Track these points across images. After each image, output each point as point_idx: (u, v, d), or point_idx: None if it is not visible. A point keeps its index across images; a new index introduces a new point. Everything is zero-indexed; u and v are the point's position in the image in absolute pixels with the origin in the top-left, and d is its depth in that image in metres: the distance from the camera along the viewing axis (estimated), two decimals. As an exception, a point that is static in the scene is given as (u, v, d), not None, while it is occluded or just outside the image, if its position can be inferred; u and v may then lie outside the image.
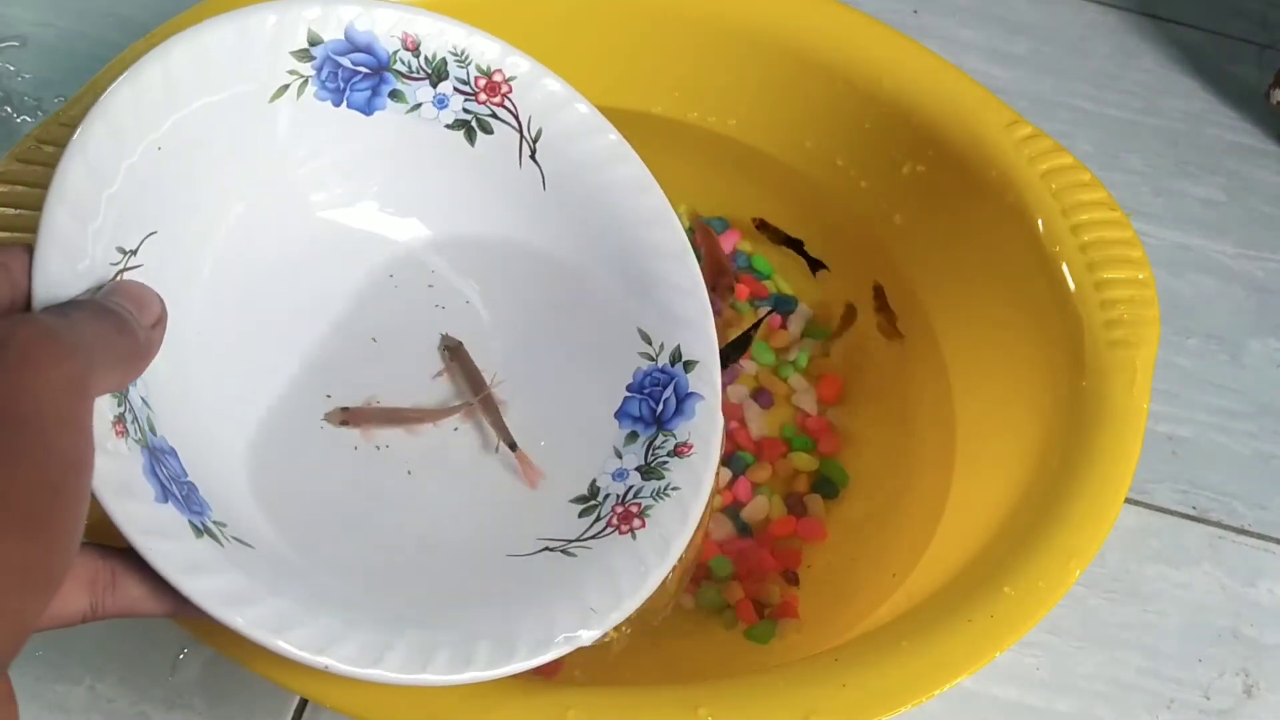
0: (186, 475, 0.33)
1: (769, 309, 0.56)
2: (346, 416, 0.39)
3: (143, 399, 0.32)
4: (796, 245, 0.57)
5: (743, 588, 0.47)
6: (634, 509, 0.38)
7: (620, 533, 0.38)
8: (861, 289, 0.55)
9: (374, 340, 0.42)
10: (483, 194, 0.43)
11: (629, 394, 0.41)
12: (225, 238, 0.38)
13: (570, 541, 0.38)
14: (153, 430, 0.32)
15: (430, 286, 0.43)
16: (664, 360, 0.41)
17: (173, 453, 0.33)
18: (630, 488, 0.39)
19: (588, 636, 0.34)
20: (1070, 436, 0.42)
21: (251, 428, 0.38)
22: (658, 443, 0.40)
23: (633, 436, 0.41)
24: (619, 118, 0.59)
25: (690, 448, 0.40)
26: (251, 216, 0.39)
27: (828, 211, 0.56)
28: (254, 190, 0.39)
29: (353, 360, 0.41)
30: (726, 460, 0.50)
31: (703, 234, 0.57)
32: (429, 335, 0.43)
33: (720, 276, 0.55)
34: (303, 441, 0.39)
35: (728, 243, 0.57)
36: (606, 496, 0.39)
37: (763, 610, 0.46)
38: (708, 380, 0.41)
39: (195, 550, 0.30)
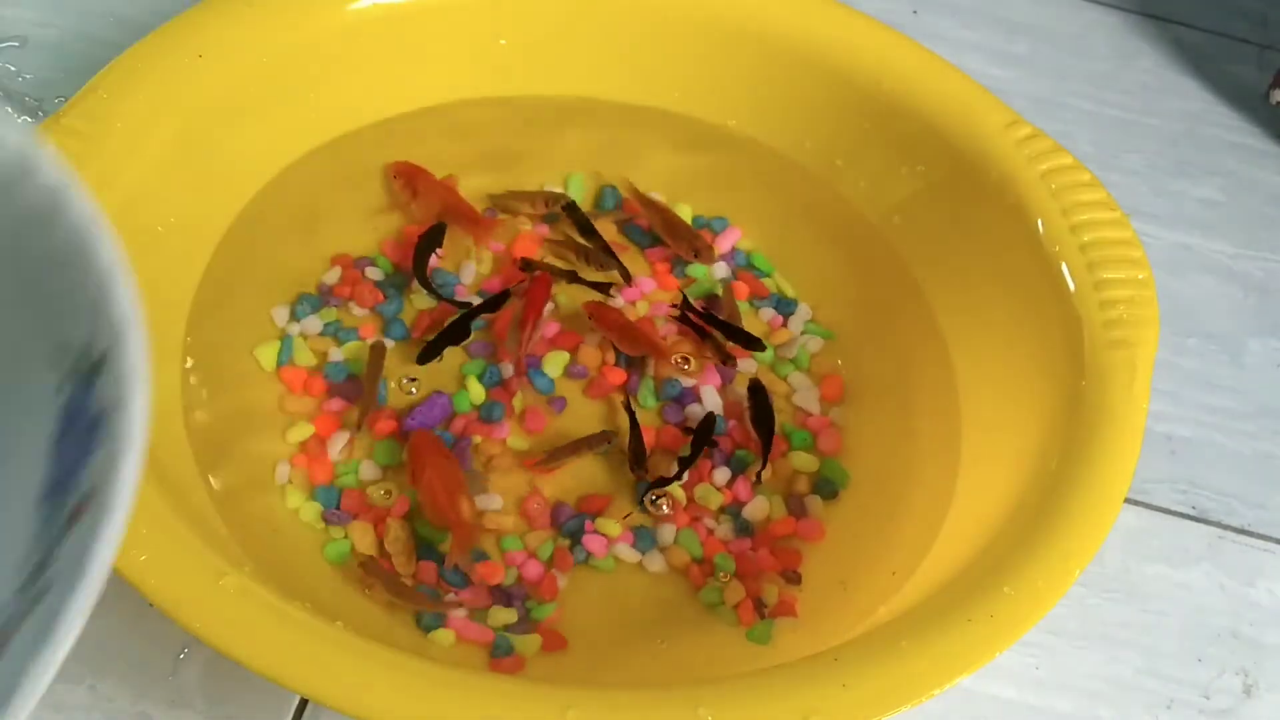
0: None
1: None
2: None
3: None
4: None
5: (743, 588, 0.47)
6: None
7: None
8: (863, 289, 0.55)
9: None
10: None
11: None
12: None
13: None
14: None
15: None
16: None
17: None
18: None
19: None
20: (1070, 436, 0.42)
21: None
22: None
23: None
24: (625, 113, 0.60)
25: None
26: None
27: (828, 211, 0.56)
28: None
29: None
30: (727, 459, 0.50)
31: (647, 205, 0.56)
32: None
33: (694, 239, 0.55)
34: None
35: (727, 241, 0.57)
36: None
37: (763, 610, 0.46)
38: None
39: None
